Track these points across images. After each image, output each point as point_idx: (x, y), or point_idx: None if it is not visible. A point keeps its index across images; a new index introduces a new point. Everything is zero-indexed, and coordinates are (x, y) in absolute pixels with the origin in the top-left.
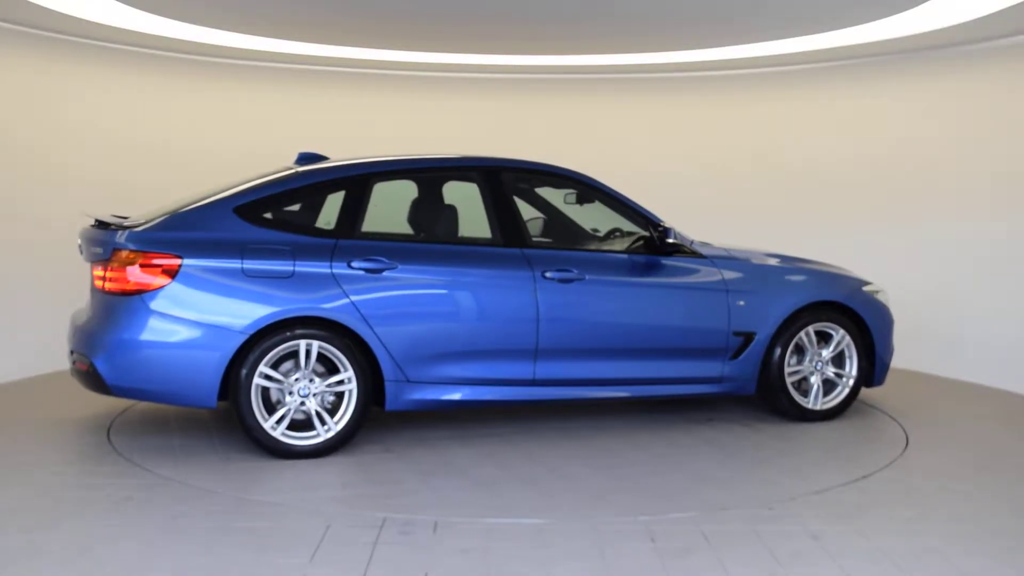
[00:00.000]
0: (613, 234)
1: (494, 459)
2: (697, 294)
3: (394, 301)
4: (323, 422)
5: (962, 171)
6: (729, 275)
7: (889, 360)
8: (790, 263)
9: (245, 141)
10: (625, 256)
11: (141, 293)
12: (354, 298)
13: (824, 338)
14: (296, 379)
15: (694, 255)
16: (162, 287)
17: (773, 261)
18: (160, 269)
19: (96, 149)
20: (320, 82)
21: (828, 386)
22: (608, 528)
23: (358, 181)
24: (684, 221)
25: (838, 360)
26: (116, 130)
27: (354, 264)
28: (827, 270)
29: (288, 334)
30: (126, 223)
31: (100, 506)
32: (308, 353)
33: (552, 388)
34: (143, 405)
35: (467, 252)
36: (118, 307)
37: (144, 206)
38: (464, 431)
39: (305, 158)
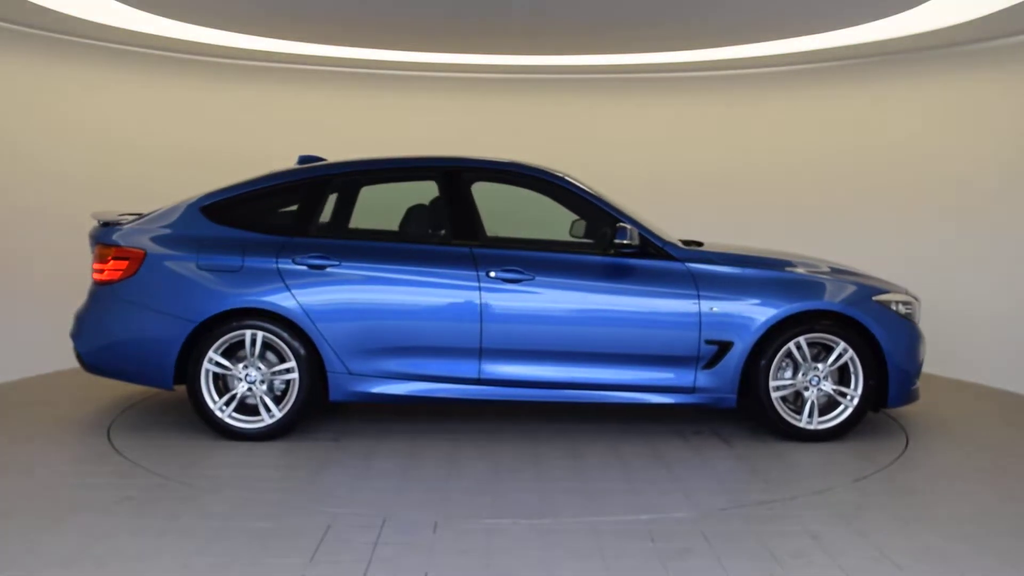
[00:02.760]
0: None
1: (415, 458)
2: (660, 298)
3: (336, 296)
4: (268, 408)
5: (962, 171)
6: (703, 279)
7: (914, 377)
8: (815, 270)
9: (245, 142)
10: (585, 257)
11: (112, 283)
12: (296, 292)
13: (829, 351)
14: (244, 366)
15: (663, 256)
16: (128, 277)
17: (787, 267)
18: (127, 262)
19: (97, 149)
20: (320, 82)
21: (833, 404)
22: (608, 528)
23: (318, 183)
24: (682, 221)
25: (846, 377)
26: (117, 130)
27: (298, 260)
28: (835, 277)
29: (235, 324)
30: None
31: (100, 506)
32: (254, 342)
33: (501, 388)
34: (143, 405)
35: (410, 250)
36: (96, 295)
37: (143, 205)
38: (428, 427)
39: (305, 160)
